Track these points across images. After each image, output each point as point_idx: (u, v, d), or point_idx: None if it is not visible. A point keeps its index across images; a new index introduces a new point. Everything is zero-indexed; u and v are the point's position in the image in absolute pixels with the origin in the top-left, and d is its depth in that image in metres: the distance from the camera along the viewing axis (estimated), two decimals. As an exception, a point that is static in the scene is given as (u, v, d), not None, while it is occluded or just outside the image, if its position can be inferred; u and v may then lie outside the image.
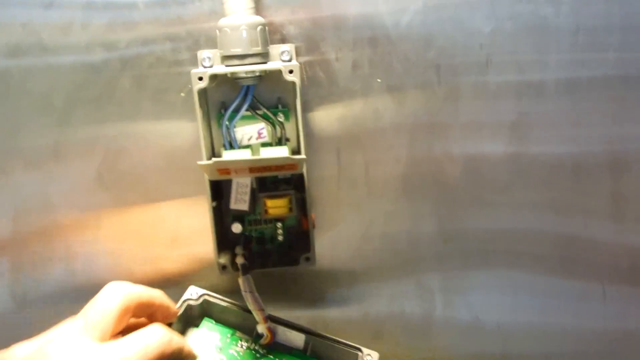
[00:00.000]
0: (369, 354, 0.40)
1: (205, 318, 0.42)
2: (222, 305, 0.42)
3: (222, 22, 0.37)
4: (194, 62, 0.40)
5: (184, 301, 0.41)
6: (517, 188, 0.45)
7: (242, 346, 0.41)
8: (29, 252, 0.44)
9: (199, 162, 0.34)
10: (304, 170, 0.39)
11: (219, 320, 0.42)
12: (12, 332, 0.34)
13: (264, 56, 0.38)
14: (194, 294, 0.42)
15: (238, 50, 0.37)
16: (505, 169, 0.44)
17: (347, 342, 0.41)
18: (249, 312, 0.40)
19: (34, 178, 0.43)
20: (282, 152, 0.40)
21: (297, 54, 0.41)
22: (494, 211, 0.45)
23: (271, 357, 0.41)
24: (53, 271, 0.45)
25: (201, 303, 0.42)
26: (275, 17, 0.41)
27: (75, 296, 0.45)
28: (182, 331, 0.41)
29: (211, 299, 0.42)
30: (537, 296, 0.47)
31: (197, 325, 0.42)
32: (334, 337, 0.41)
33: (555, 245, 0.46)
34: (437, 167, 0.44)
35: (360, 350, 0.40)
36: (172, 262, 0.45)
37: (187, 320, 0.42)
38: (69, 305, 0.34)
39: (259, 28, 0.37)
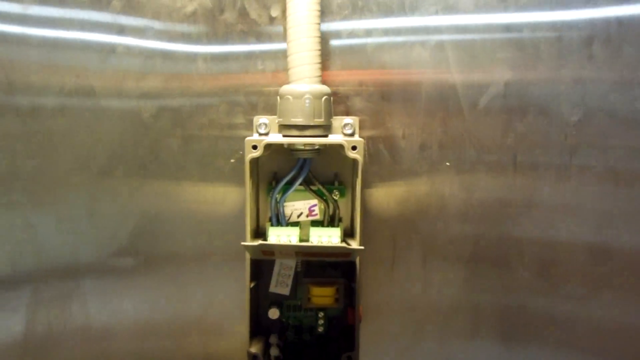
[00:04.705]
0: None
1: None
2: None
3: (284, 88, 0.34)
4: (249, 126, 0.37)
5: None
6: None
7: None
8: (45, 313, 0.40)
9: (243, 243, 0.31)
10: (357, 260, 0.35)
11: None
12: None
13: (326, 129, 0.34)
14: None
15: (299, 120, 0.33)
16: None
17: None
18: None
19: (63, 236, 0.39)
20: (334, 235, 0.36)
21: (361, 128, 0.37)
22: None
23: None
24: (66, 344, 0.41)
25: None
26: (341, 87, 0.37)
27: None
28: None
29: None
30: None
31: None
32: None
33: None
34: (504, 270, 0.39)
35: None
36: (195, 343, 0.40)
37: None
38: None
39: (324, 98, 0.34)
